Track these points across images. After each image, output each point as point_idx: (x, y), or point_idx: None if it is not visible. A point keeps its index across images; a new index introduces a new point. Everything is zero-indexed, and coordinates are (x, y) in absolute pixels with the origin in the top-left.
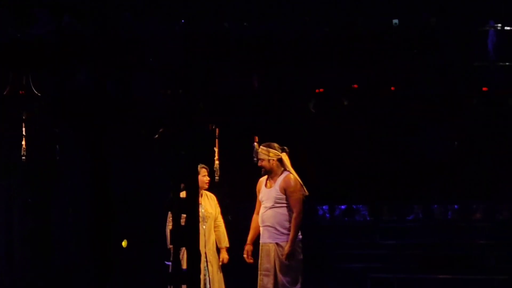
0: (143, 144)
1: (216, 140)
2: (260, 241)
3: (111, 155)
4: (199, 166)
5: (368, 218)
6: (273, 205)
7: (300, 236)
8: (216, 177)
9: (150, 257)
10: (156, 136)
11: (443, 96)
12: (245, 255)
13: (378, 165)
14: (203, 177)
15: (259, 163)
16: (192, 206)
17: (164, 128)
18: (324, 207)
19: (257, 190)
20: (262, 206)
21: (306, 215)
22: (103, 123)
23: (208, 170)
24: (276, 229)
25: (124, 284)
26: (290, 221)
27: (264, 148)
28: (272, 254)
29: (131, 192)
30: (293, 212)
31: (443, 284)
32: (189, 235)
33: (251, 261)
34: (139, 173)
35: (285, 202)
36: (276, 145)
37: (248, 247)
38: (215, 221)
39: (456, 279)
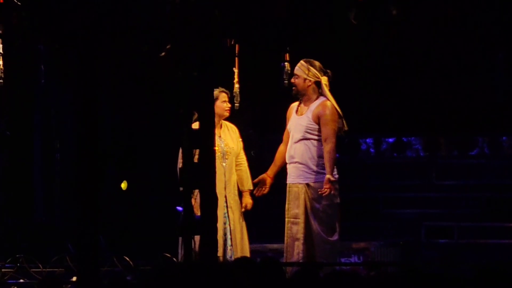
0: (147, 64)
1: (236, 58)
2: (288, 181)
3: (107, 76)
4: (217, 90)
5: (422, 154)
6: (303, 136)
7: (337, 176)
8: (236, 104)
9: (158, 202)
10: (162, 53)
11: None
12: (256, 182)
13: (434, 87)
14: (223, 103)
15: (293, 79)
16: (207, 139)
17: (171, 43)
18: (368, 140)
19: (287, 117)
20: (291, 137)
21: (346, 150)
22: (95, 37)
23: (229, 95)
24: (307, 166)
25: (126, 236)
26: (323, 157)
27: (305, 64)
28: (302, 196)
29: (132, 123)
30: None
31: None
32: (203, 174)
33: (264, 191)
34: (142, 99)
35: (317, 133)
36: (318, 64)
37: (264, 176)
38: (236, 158)
39: None
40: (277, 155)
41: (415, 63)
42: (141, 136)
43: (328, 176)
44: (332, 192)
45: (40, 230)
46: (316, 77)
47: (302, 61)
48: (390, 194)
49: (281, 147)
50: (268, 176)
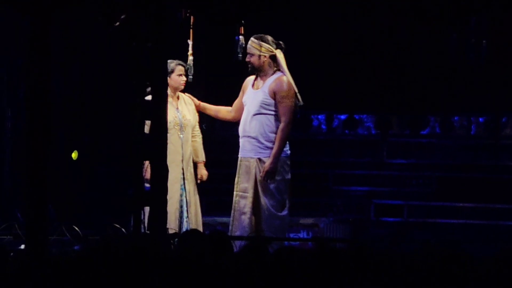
0: (100, 34)
1: (191, 30)
2: (239, 155)
3: (59, 46)
4: (174, 63)
5: (373, 132)
6: (258, 111)
7: (289, 152)
8: (190, 77)
9: (109, 172)
10: (116, 24)
11: None
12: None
13: (387, 65)
14: (179, 77)
15: (247, 59)
16: (159, 110)
17: (126, 14)
18: (319, 116)
19: (242, 88)
20: (245, 111)
21: (297, 126)
22: (49, 5)
23: (186, 68)
24: (259, 141)
25: (76, 206)
26: (277, 133)
27: (256, 40)
28: (253, 171)
29: (85, 94)
30: (280, 122)
31: (464, 214)
32: (154, 145)
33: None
34: (95, 70)
35: (273, 109)
36: (270, 38)
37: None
38: (192, 130)
39: (480, 208)
40: (218, 108)
41: (369, 40)
42: (93, 106)
43: (266, 164)
44: (283, 165)
45: None
46: (270, 51)
47: (252, 38)
48: (341, 171)
49: (225, 110)
50: (200, 103)
